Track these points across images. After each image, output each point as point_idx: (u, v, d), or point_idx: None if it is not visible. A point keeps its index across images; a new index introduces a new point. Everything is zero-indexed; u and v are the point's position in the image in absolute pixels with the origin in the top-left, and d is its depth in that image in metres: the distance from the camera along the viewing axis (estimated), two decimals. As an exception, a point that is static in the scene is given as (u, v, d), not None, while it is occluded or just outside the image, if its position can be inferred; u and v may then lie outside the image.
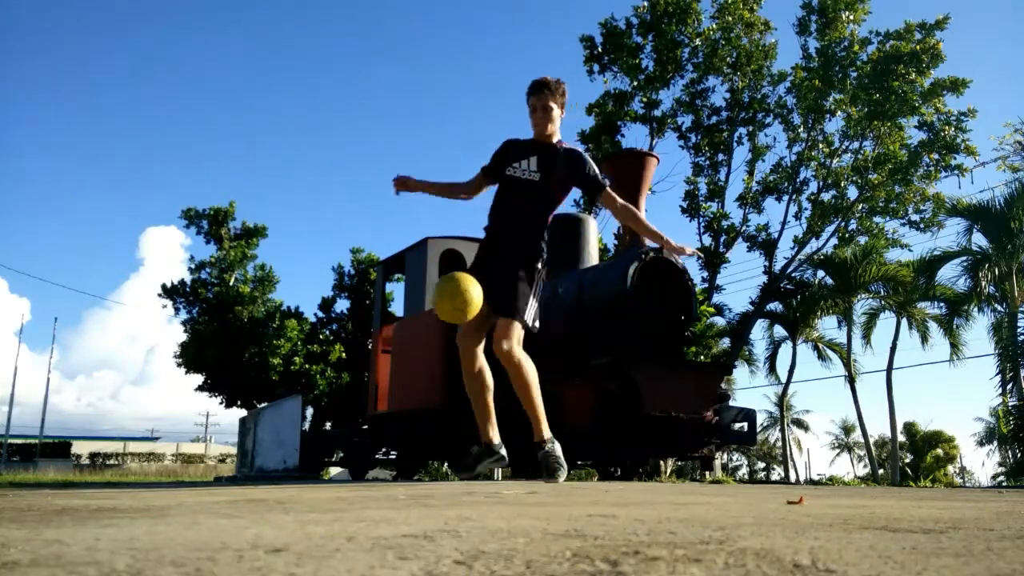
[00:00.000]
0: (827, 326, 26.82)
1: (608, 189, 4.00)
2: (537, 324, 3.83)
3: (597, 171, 4.01)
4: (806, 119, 19.47)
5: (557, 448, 3.75)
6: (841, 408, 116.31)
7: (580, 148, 4.03)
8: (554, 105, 3.90)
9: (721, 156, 19.90)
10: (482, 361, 3.76)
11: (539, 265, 3.86)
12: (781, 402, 23.70)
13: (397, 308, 14.12)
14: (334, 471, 15.11)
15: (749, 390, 44.83)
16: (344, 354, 22.61)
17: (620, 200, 4.03)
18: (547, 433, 3.74)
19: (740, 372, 22.76)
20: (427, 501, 2.17)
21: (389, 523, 1.47)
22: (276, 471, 10.11)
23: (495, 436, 3.78)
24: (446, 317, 3.52)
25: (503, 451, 3.81)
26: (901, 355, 55.76)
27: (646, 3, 19.21)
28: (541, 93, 3.89)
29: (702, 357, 17.60)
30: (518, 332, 3.69)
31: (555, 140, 3.95)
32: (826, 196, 19.67)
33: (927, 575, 0.91)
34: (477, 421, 3.79)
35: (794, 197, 19.86)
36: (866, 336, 20.34)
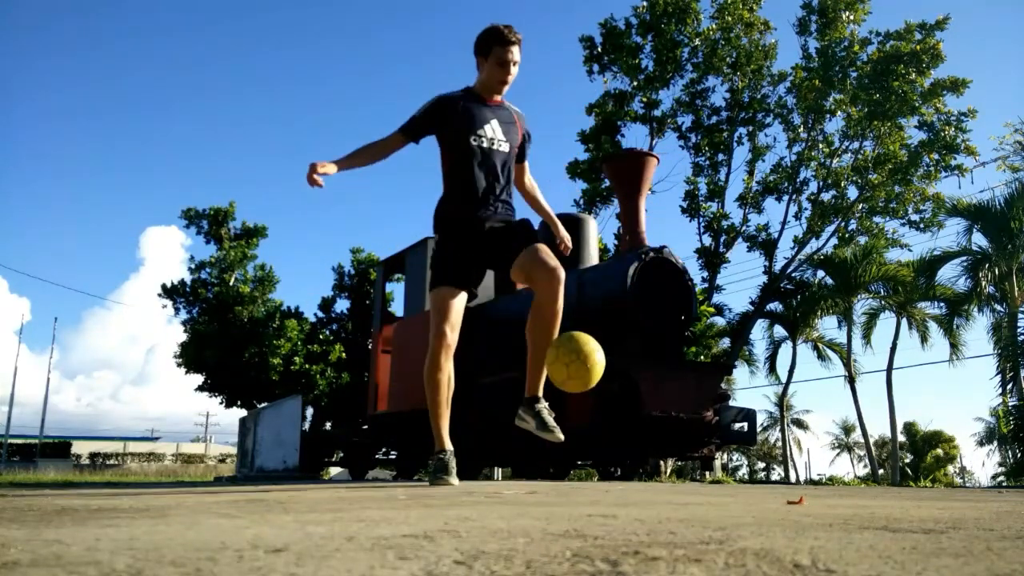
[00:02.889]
0: (827, 326, 26.89)
1: (526, 164, 3.66)
2: None
3: (528, 136, 3.63)
4: (806, 119, 19.47)
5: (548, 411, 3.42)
6: (841, 408, 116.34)
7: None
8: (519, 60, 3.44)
9: (721, 156, 19.90)
10: (451, 364, 3.37)
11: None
12: (781, 402, 23.70)
13: (397, 308, 14.12)
14: (334, 471, 15.12)
15: (749, 390, 44.92)
16: (344, 354, 22.59)
17: (529, 177, 3.69)
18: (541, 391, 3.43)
19: (740, 372, 22.79)
20: (427, 501, 2.17)
21: (389, 523, 1.47)
22: (276, 471, 10.11)
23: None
24: (576, 384, 3.12)
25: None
26: (901, 355, 55.79)
27: (645, 3, 19.21)
28: (513, 47, 3.36)
29: (702, 357, 17.60)
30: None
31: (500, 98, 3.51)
32: (826, 196, 19.68)
33: (927, 575, 0.91)
34: (441, 427, 3.35)
35: (794, 197, 19.87)
36: (866, 336, 20.36)
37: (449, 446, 3.38)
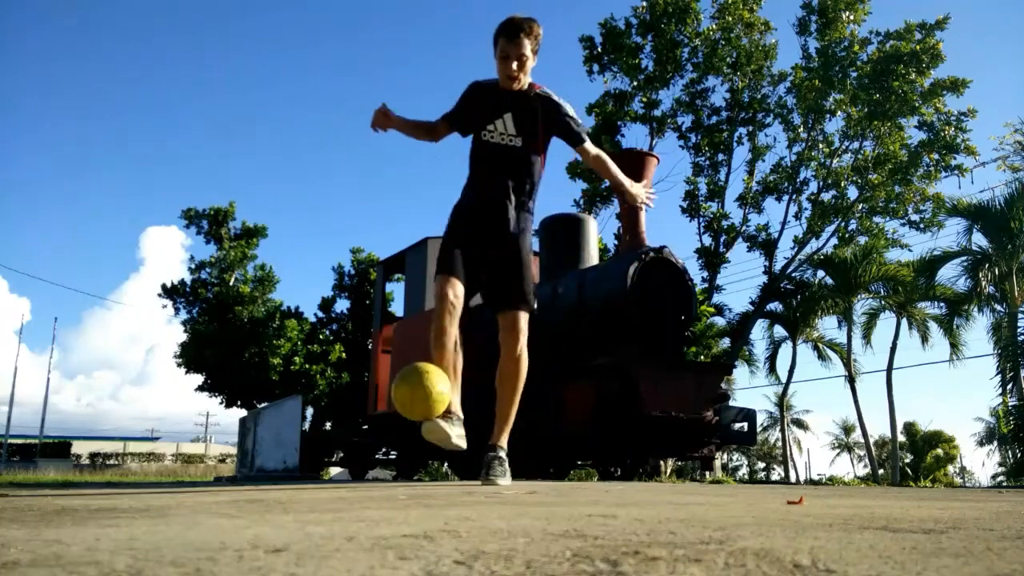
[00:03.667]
0: (827, 326, 26.89)
1: (587, 144, 3.52)
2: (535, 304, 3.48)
3: (574, 117, 3.48)
4: (806, 119, 19.48)
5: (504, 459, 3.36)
6: (841, 408, 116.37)
7: (550, 90, 3.48)
8: (530, 53, 3.30)
9: (721, 156, 19.91)
10: (456, 329, 3.35)
11: (531, 235, 3.51)
12: (781, 402, 23.70)
13: (397, 308, 14.12)
14: (334, 471, 15.11)
15: (749, 390, 44.86)
16: (344, 354, 22.60)
17: (594, 150, 3.58)
18: (504, 441, 3.39)
19: (740, 372, 22.78)
20: (427, 501, 2.17)
21: (389, 523, 1.47)
22: (276, 471, 10.11)
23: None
24: (412, 413, 3.09)
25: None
26: (901, 355, 55.80)
27: (645, 3, 19.21)
28: (516, 38, 3.25)
29: (702, 357, 17.60)
30: (525, 325, 3.34)
31: (526, 87, 3.39)
32: (826, 196, 19.69)
33: (927, 575, 0.91)
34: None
35: (794, 197, 19.88)
36: (866, 336, 20.37)
37: (459, 412, 3.35)
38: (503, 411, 3.38)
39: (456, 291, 3.27)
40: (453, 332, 3.28)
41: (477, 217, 3.41)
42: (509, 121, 3.36)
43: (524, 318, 3.37)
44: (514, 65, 3.27)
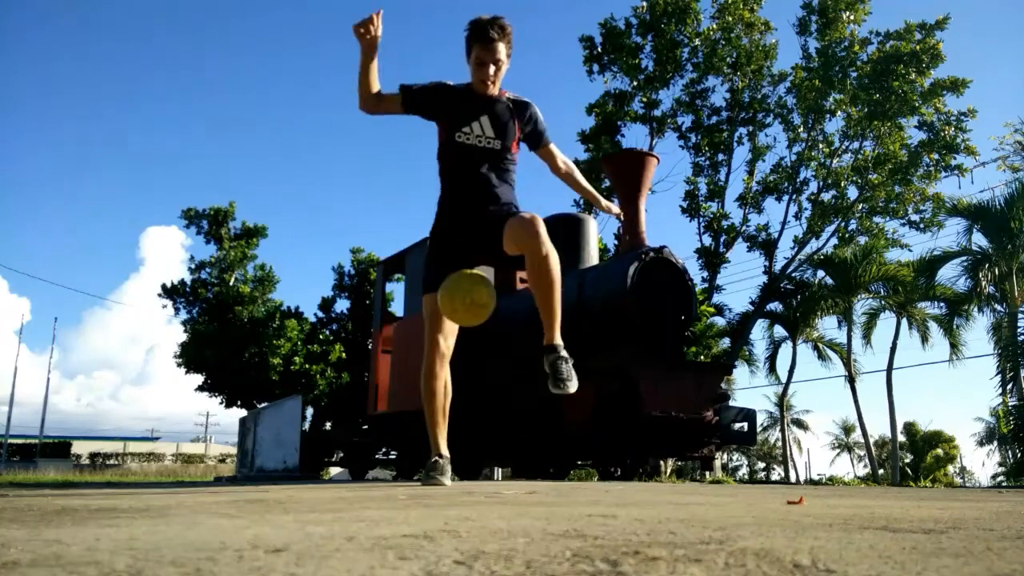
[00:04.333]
0: (827, 326, 26.90)
1: (552, 146, 3.50)
2: None
3: (541, 119, 3.44)
4: (806, 119, 19.48)
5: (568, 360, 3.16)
6: (841, 408, 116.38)
7: (517, 94, 3.43)
8: (505, 58, 3.23)
9: (721, 156, 19.92)
10: (447, 371, 3.34)
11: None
12: (781, 402, 23.70)
13: (397, 308, 14.12)
14: (334, 471, 15.12)
15: (749, 390, 44.89)
16: (344, 354, 22.60)
17: (562, 158, 3.56)
18: (560, 339, 3.17)
19: (740, 372, 22.79)
20: (427, 501, 2.17)
21: (389, 523, 1.47)
22: (276, 471, 10.11)
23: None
24: (463, 317, 3.10)
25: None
26: (901, 355, 55.82)
27: (645, 3, 19.22)
28: (491, 44, 3.16)
29: (702, 357, 17.60)
30: (539, 223, 3.10)
31: (498, 94, 3.33)
32: (826, 196, 19.69)
33: (927, 575, 0.91)
34: (437, 435, 3.31)
35: (794, 197, 19.89)
36: (866, 336, 20.36)
37: (445, 452, 3.33)
38: (547, 308, 3.12)
39: (445, 332, 3.29)
40: (443, 375, 3.30)
41: (456, 218, 3.35)
42: (487, 123, 3.29)
43: (533, 218, 3.11)
44: (491, 70, 3.20)
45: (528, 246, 3.07)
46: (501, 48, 3.20)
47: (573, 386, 3.08)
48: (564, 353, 3.12)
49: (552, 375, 3.08)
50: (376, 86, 3.28)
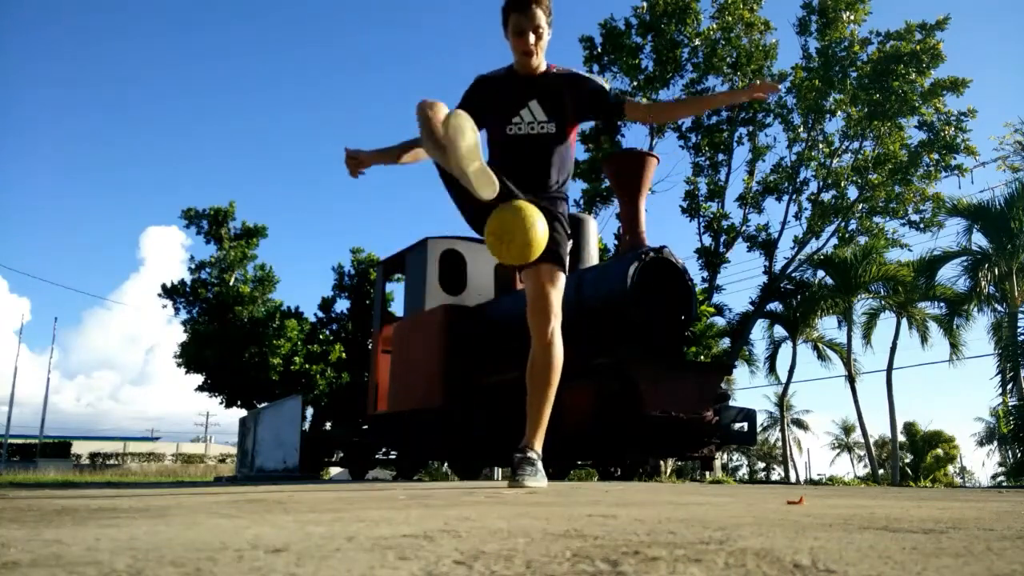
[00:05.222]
0: (827, 326, 26.92)
1: (627, 103, 3.15)
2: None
3: (604, 87, 3.16)
4: (806, 119, 19.49)
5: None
6: (841, 408, 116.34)
7: (568, 67, 3.20)
8: (545, 24, 2.99)
9: (721, 156, 19.93)
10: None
11: (566, 210, 3.16)
12: (781, 402, 23.70)
13: (397, 308, 14.12)
14: (334, 471, 15.12)
15: (749, 390, 44.84)
16: (344, 354, 22.61)
17: (644, 103, 3.27)
18: (538, 445, 2.99)
19: (740, 372, 22.80)
20: (427, 501, 2.17)
21: (389, 523, 1.47)
22: (276, 471, 10.11)
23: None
24: (514, 256, 2.78)
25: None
26: (901, 355, 55.75)
27: (645, 3, 19.22)
28: (528, 10, 2.93)
29: (702, 357, 17.61)
30: (556, 293, 2.93)
31: (544, 68, 3.09)
32: (826, 196, 19.71)
33: (927, 575, 0.91)
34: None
35: (794, 197, 19.90)
36: (866, 336, 20.38)
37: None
38: (532, 409, 2.97)
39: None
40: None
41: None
42: (537, 108, 3.03)
43: (554, 277, 2.93)
44: (531, 38, 2.97)
45: (533, 321, 2.92)
46: (539, 14, 2.96)
47: (533, 483, 2.87)
48: (533, 455, 2.93)
49: (512, 471, 2.93)
50: (419, 149, 3.12)
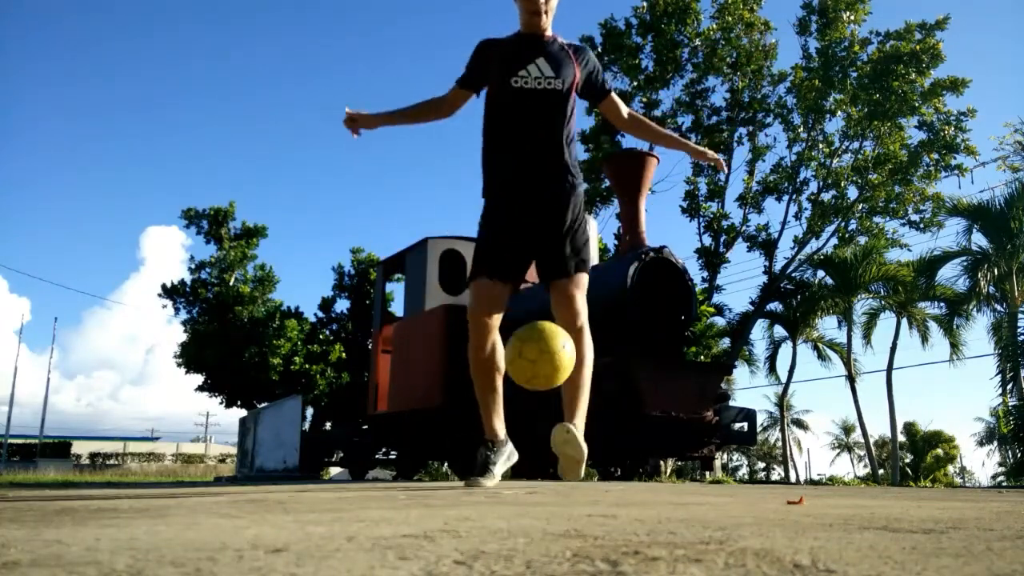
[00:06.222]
0: (827, 326, 26.86)
1: (612, 93, 3.17)
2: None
3: (599, 67, 3.15)
4: (806, 119, 19.49)
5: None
6: (841, 408, 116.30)
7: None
8: None
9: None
10: (497, 337, 3.03)
11: (583, 194, 3.12)
12: (781, 402, 23.70)
13: (397, 308, 14.12)
14: (334, 471, 15.12)
15: (749, 390, 44.89)
16: (344, 354, 22.62)
17: (626, 108, 3.24)
18: (581, 421, 3.14)
19: (740, 372, 22.80)
20: (427, 501, 2.17)
21: (389, 523, 1.47)
22: (276, 471, 10.11)
23: (502, 429, 3.06)
24: (541, 385, 2.81)
25: (511, 445, 3.12)
26: (901, 355, 55.73)
27: (645, 3, 19.22)
28: None
29: (702, 357, 17.61)
30: (581, 295, 3.02)
31: (551, 36, 3.04)
32: (826, 196, 19.70)
33: (927, 575, 0.91)
34: (483, 413, 3.04)
35: (794, 197, 19.89)
36: (866, 336, 20.36)
37: (500, 434, 3.04)
38: (579, 400, 3.08)
39: (492, 310, 3.02)
40: (489, 345, 3.01)
41: (518, 187, 2.98)
42: (544, 64, 2.92)
43: (580, 283, 3.04)
44: (537, 2, 2.88)
45: (561, 321, 3.00)
46: None
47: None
48: (571, 431, 3.08)
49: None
50: (430, 114, 3.15)
